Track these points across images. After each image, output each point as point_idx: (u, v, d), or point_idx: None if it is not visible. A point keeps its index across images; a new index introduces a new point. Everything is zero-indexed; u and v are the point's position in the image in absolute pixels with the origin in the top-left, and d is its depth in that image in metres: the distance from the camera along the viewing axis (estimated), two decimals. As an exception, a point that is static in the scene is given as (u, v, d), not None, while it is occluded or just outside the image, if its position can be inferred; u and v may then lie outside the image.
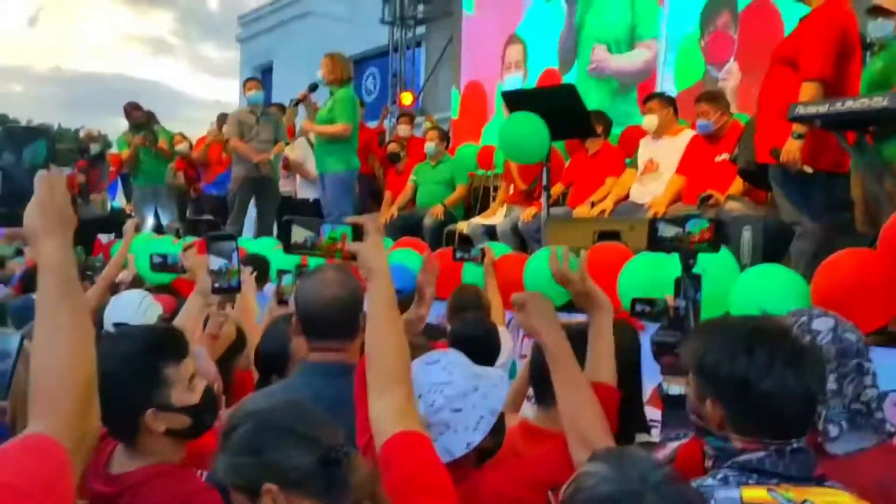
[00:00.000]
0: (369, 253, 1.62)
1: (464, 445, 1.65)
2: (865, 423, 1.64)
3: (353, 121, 6.34)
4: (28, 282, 4.11)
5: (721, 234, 2.22)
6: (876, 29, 3.68)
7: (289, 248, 1.68)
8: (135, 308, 3.05)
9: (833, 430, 1.61)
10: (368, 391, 1.56)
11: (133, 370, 1.66)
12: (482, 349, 2.75)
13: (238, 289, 2.30)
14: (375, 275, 1.61)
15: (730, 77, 6.44)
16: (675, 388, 2.05)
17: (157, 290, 3.80)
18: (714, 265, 3.12)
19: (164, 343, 1.74)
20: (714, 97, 4.98)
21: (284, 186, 8.03)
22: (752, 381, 1.36)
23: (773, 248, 3.83)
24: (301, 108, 8.22)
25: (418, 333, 2.02)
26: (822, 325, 1.69)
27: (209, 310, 2.29)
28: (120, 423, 1.67)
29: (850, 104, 3.34)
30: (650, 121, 5.34)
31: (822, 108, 3.40)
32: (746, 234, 3.83)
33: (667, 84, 6.91)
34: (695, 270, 2.12)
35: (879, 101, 3.22)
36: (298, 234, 1.65)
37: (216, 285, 2.17)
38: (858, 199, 3.85)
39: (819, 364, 1.45)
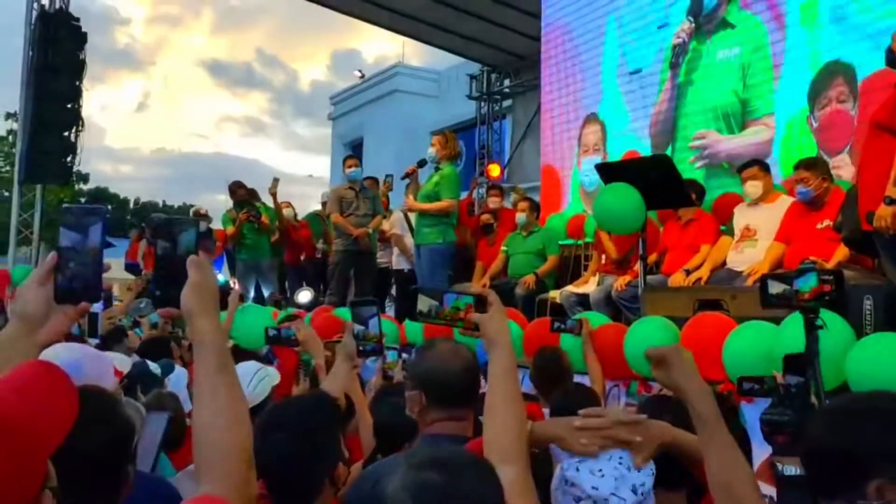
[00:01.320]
0: (492, 324, 1.64)
1: None
2: None
3: (456, 197, 6.66)
4: (147, 350, 4.36)
5: (841, 289, 2.18)
6: None
7: (414, 316, 1.76)
8: (250, 378, 3.17)
9: None
10: None
11: (330, 439, 1.85)
12: None
13: (380, 351, 2.41)
14: (497, 346, 1.63)
15: (842, 168, 6.06)
16: (790, 468, 2.02)
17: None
18: (831, 335, 3.08)
19: (338, 413, 1.92)
20: (813, 164, 4.90)
21: (381, 258, 8.28)
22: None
23: (888, 316, 3.72)
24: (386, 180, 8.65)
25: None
26: None
27: (356, 371, 2.42)
28: (311, 485, 1.81)
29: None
30: (755, 187, 5.26)
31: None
32: (868, 303, 3.73)
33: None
34: (798, 345, 2.09)
35: None
36: (423, 302, 1.70)
37: (360, 348, 2.28)
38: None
39: None
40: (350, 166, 7.60)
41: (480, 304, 1.66)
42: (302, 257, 8.50)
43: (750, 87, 7.03)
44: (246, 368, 3.22)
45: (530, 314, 6.06)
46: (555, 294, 6.39)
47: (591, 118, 8.84)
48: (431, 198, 6.52)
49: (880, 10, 5.90)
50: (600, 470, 1.49)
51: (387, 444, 2.57)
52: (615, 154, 8.27)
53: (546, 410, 3.47)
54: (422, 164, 6.71)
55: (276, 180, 8.44)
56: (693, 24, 7.50)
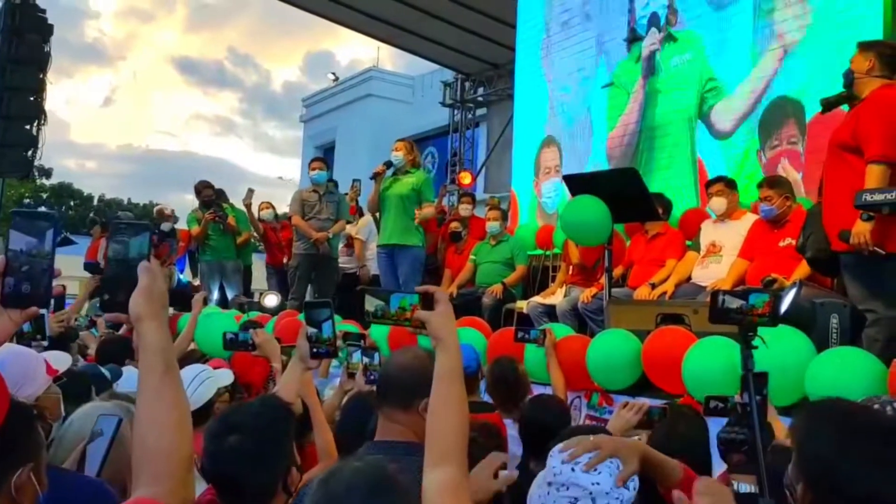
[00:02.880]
0: (438, 322, 1.62)
1: None
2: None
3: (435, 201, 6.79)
4: (106, 351, 4.28)
5: (777, 310, 2.20)
6: None
7: (363, 316, 1.76)
8: (190, 381, 3.10)
9: None
10: (425, 462, 1.55)
11: (283, 443, 1.87)
12: (556, 431, 2.75)
13: (334, 354, 2.37)
14: (443, 345, 1.62)
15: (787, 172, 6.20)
16: (745, 485, 2.02)
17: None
18: (792, 350, 3.10)
19: (291, 417, 1.94)
20: (776, 182, 4.97)
21: (347, 264, 8.22)
22: (843, 484, 1.32)
23: (857, 336, 3.78)
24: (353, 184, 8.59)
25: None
26: None
27: (308, 374, 2.39)
28: (264, 489, 1.82)
29: (919, 191, 3.32)
30: (719, 203, 5.33)
31: (890, 196, 3.39)
32: (834, 322, 3.78)
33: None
34: (761, 360, 2.09)
35: (951, 189, 3.20)
36: (370, 303, 1.72)
37: (314, 351, 2.26)
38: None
39: None
40: (314, 169, 7.54)
41: (427, 301, 1.64)
42: (284, 259, 8.42)
43: (707, 91, 7.11)
44: (188, 371, 3.18)
45: (497, 323, 6.05)
46: (522, 304, 6.39)
47: (550, 140, 8.83)
48: (412, 199, 6.48)
49: (828, 47, 6.00)
50: (596, 468, 1.49)
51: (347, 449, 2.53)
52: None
53: (508, 421, 3.45)
54: (388, 165, 6.67)
55: (250, 191, 8.36)
56: (661, 34, 7.59)
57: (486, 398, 3.82)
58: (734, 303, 2.14)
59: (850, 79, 3.88)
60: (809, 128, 6.07)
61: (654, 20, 7.67)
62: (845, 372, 3.29)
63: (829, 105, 4.02)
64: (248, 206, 8.42)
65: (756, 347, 2.09)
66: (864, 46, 3.93)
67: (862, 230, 3.55)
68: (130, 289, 1.36)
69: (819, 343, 3.61)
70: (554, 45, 8.93)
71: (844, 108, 4.16)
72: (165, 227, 8.73)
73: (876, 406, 1.75)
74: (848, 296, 3.87)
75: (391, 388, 2.06)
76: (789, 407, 3.23)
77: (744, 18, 6.75)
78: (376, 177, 6.60)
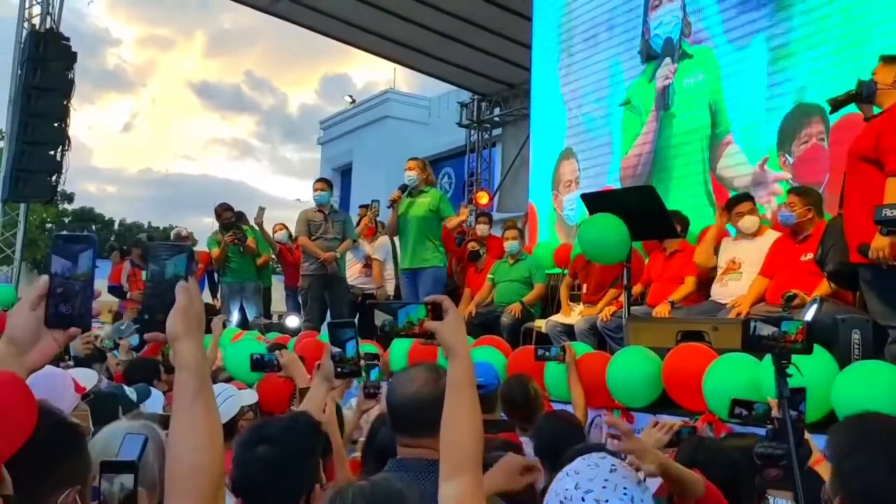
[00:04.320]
0: (448, 331, 1.60)
1: None
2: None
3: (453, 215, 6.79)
4: (133, 371, 4.33)
5: (812, 338, 2.21)
6: None
7: (373, 331, 1.73)
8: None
9: None
10: (440, 473, 1.53)
11: (310, 457, 1.89)
12: (568, 445, 2.75)
13: (358, 373, 2.40)
14: (454, 354, 1.60)
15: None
16: (782, 501, 2.01)
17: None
18: (815, 366, 3.08)
19: (319, 433, 1.96)
20: (805, 192, 4.91)
21: (366, 284, 8.25)
22: (886, 499, 1.31)
23: (880, 351, 3.75)
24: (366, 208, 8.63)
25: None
26: None
27: (334, 393, 2.42)
28: (289, 501, 1.83)
29: (939, 206, 3.31)
30: (752, 222, 5.23)
31: (910, 210, 3.37)
32: (856, 337, 3.75)
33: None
34: (795, 375, 2.09)
35: (970, 204, 3.19)
36: (379, 318, 1.67)
37: (338, 370, 2.28)
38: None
39: None
40: (318, 190, 7.58)
41: (437, 312, 1.62)
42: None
43: (716, 111, 7.11)
44: (214, 389, 3.20)
45: (516, 342, 6.05)
46: (540, 323, 6.39)
47: (567, 153, 8.86)
48: (431, 220, 6.53)
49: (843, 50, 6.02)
50: (606, 500, 1.48)
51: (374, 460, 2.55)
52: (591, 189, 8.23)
53: (524, 439, 3.45)
54: (404, 189, 6.72)
55: (261, 209, 8.43)
56: (675, 65, 7.61)
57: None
58: (767, 330, 2.14)
59: (872, 89, 3.86)
60: (832, 132, 6.05)
61: (668, 46, 7.67)
62: (872, 386, 3.27)
63: (837, 105, 4.01)
64: (260, 224, 8.46)
65: (791, 375, 2.09)
66: (889, 59, 3.92)
67: (881, 245, 3.53)
68: (168, 309, 1.38)
69: (841, 359, 3.58)
70: (571, 63, 8.99)
71: (852, 109, 4.16)
72: (189, 245, 8.80)
73: None
74: (868, 311, 3.84)
75: (406, 422, 2.02)
76: (812, 424, 3.21)
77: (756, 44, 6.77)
78: (393, 203, 6.64)
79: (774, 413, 2.20)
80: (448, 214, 6.60)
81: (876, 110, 3.94)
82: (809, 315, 3.29)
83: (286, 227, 9.12)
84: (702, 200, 7.11)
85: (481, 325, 6.66)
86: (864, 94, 3.89)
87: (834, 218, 4.36)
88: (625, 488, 1.49)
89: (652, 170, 7.71)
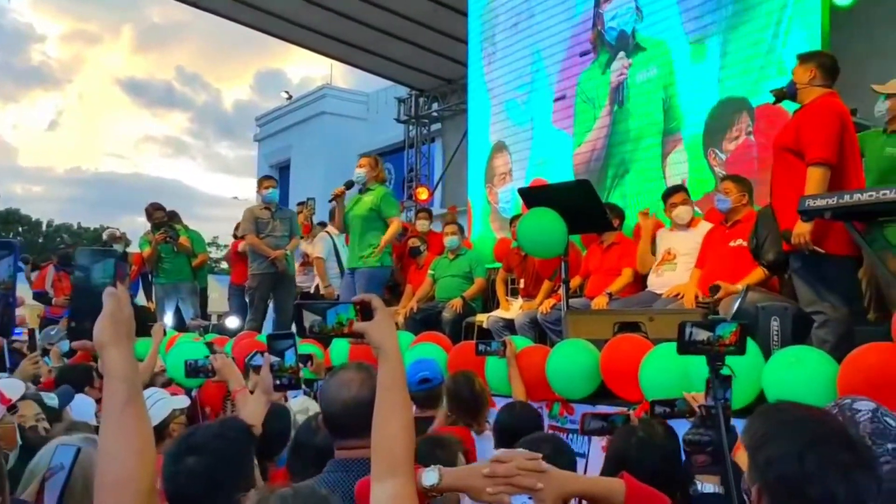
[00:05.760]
0: (377, 331, 1.58)
1: None
2: (897, 508, 1.67)
3: (399, 215, 6.72)
4: (65, 379, 4.19)
5: (746, 338, 2.28)
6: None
7: (301, 332, 1.70)
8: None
9: None
10: (371, 474, 1.51)
11: (242, 465, 1.86)
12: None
13: (297, 384, 2.37)
14: (384, 354, 1.57)
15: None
16: (709, 486, 2.07)
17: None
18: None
19: (252, 440, 1.95)
20: (740, 179, 5.08)
21: (304, 282, 8.17)
22: (799, 488, 1.33)
23: (798, 338, 3.88)
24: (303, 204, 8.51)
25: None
26: (864, 406, 1.74)
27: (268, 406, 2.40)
28: None
29: (857, 196, 3.45)
30: (686, 212, 5.39)
31: (832, 201, 3.51)
32: (775, 325, 3.88)
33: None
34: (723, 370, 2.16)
35: (888, 194, 3.33)
36: (307, 318, 1.64)
37: (277, 382, 2.25)
38: (867, 286, 3.94)
39: (875, 477, 1.37)
40: (266, 187, 7.49)
41: (366, 311, 1.59)
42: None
43: (669, 107, 7.21)
44: (144, 394, 3.14)
45: (457, 337, 6.08)
46: (482, 318, 6.43)
47: (500, 146, 8.91)
48: (371, 219, 6.43)
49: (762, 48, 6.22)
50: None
51: (298, 462, 2.53)
52: (525, 182, 8.25)
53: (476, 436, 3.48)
54: (349, 185, 6.63)
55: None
56: (629, 59, 7.71)
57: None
58: (701, 335, 2.19)
59: (793, 89, 4.02)
60: (756, 122, 6.24)
61: (622, 39, 7.73)
62: (801, 371, 3.38)
63: (781, 96, 4.15)
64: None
65: (728, 377, 2.15)
66: (805, 58, 4.10)
67: (802, 231, 3.68)
68: (96, 315, 1.36)
69: (762, 347, 3.70)
70: (494, 52, 9.08)
71: (786, 105, 4.31)
72: (118, 250, 8.59)
73: (835, 410, 1.81)
74: (797, 298, 3.99)
75: (346, 425, 2.00)
76: (739, 410, 3.31)
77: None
78: (335, 199, 6.57)
79: (701, 403, 2.26)
80: (388, 214, 6.45)
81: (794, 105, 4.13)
82: (736, 305, 3.39)
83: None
84: (658, 196, 7.24)
85: (423, 321, 6.67)
86: (788, 93, 4.05)
87: (764, 208, 4.50)
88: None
89: (606, 164, 7.82)
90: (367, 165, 6.58)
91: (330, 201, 6.81)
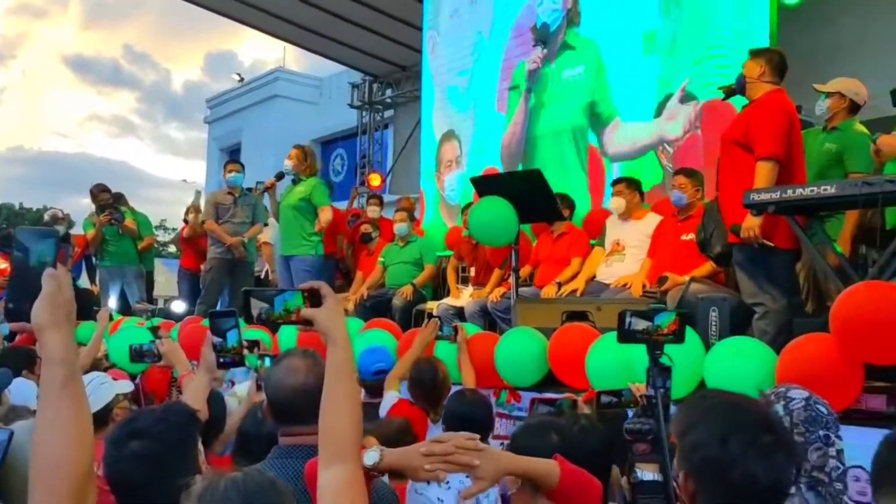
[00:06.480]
0: (326, 318, 1.57)
1: None
2: (825, 492, 1.74)
3: (329, 204, 6.73)
4: (6, 362, 4.08)
5: (685, 328, 2.33)
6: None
7: (249, 319, 1.69)
8: (85, 385, 3.03)
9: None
10: (319, 460, 1.52)
11: (186, 449, 1.83)
12: (480, 425, 2.82)
13: (241, 363, 2.34)
14: (332, 341, 1.57)
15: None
16: (648, 473, 2.11)
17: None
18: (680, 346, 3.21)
19: (197, 423, 1.91)
20: (692, 173, 5.17)
21: (256, 266, 8.08)
22: (723, 470, 1.38)
23: (737, 328, 3.98)
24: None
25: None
26: (798, 394, 1.81)
27: (215, 384, 2.36)
28: (166, 496, 1.72)
29: (800, 191, 3.54)
30: (618, 203, 5.51)
31: (775, 195, 3.60)
32: (713, 315, 3.97)
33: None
34: (662, 358, 2.21)
35: (828, 190, 3.44)
36: (255, 306, 1.63)
37: (219, 360, 2.22)
38: (805, 279, 4.06)
39: (793, 456, 1.45)
40: (231, 171, 7.39)
41: (315, 298, 1.58)
42: (202, 265, 8.18)
43: (595, 103, 7.32)
44: (85, 378, 3.08)
45: (408, 324, 6.08)
46: (432, 305, 6.45)
47: (449, 134, 8.92)
48: (302, 209, 6.54)
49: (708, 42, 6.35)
50: (447, 483, 1.51)
51: (244, 451, 2.51)
52: (474, 170, 8.27)
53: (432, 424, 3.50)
54: (280, 177, 6.72)
55: (197, 193, 8.13)
56: (544, 51, 7.79)
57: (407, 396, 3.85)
58: (640, 324, 2.24)
59: (742, 83, 4.10)
60: (704, 118, 6.36)
61: (544, 33, 7.82)
62: (741, 361, 3.46)
63: (730, 93, 4.23)
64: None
65: (668, 368, 2.20)
66: (756, 53, 4.18)
67: (752, 224, 3.76)
68: (35, 297, 1.33)
69: (702, 337, 3.78)
70: (438, 39, 9.09)
71: (735, 101, 4.39)
72: (60, 230, 8.37)
73: (771, 398, 1.87)
74: (739, 290, 4.09)
75: (292, 412, 2.00)
76: (680, 399, 3.38)
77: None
78: (267, 190, 6.67)
79: (641, 392, 2.31)
80: (319, 203, 6.55)
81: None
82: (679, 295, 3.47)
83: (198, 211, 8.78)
84: (580, 184, 7.34)
85: (373, 308, 6.66)
86: (737, 87, 4.13)
87: (710, 202, 4.59)
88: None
89: (524, 150, 7.93)
90: (296, 158, 6.67)
91: (262, 193, 6.86)
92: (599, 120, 7.26)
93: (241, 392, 3.82)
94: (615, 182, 5.73)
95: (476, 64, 8.51)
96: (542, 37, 7.79)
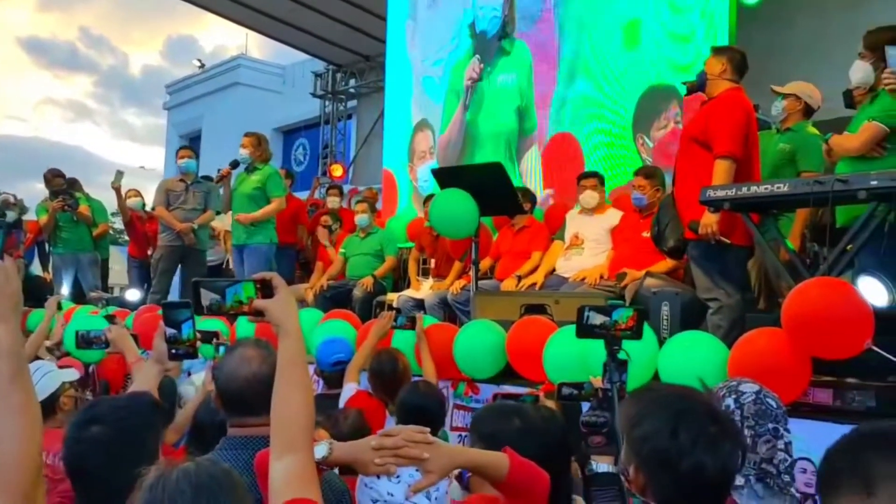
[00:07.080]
0: (278, 309, 1.56)
1: None
2: (773, 483, 1.78)
3: (283, 194, 6.69)
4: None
5: (643, 324, 2.36)
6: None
7: (199, 310, 1.65)
8: (31, 373, 2.99)
9: (739, 479, 1.73)
10: (270, 452, 1.51)
11: (146, 436, 1.82)
12: (432, 417, 2.81)
13: (194, 355, 2.30)
14: (285, 332, 1.56)
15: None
16: (603, 465, 2.14)
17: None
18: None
19: (156, 412, 1.90)
20: (651, 173, 5.23)
21: (212, 256, 7.97)
22: (672, 461, 1.41)
23: (688, 322, 4.04)
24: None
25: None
26: (748, 388, 1.85)
27: (170, 374, 2.32)
28: (124, 483, 1.71)
29: (755, 189, 3.61)
30: (592, 198, 5.53)
31: (731, 193, 3.66)
32: (665, 309, 4.03)
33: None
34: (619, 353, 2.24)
35: (781, 188, 3.50)
36: (206, 297, 1.59)
37: (172, 352, 2.19)
38: (756, 276, 4.13)
39: (739, 446, 1.48)
40: (183, 157, 7.29)
41: (266, 289, 1.57)
42: (149, 251, 8.03)
43: (525, 108, 7.43)
44: (31, 367, 3.03)
45: (368, 316, 6.07)
46: (392, 297, 6.44)
47: (422, 124, 8.93)
48: (256, 197, 6.46)
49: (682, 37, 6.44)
50: (398, 476, 1.51)
51: (198, 441, 2.49)
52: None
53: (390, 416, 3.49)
54: (234, 165, 6.64)
55: (119, 173, 7.89)
56: (481, 62, 7.85)
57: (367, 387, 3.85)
58: (598, 319, 2.26)
59: (702, 79, 4.16)
60: (684, 112, 6.39)
61: (482, 40, 7.93)
62: (695, 355, 3.51)
63: (692, 89, 4.29)
64: (118, 189, 7.87)
65: (625, 361, 2.22)
66: (718, 51, 4.24)
67: (710, 221, 3.82)
68: None
69: (654, 331, 3.84)
70: (418, 29, 9.06)
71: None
72: (10, 216, 8.17)
73: (723, 392, 1.91)
74: (694, 285, 4.15)
75: (243, 403, 1.99)
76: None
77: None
78: (221, 179, 6.58)
79: (599, 384, 2.34)
80: (274, 193, 6.49)
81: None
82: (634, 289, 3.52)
83: (140, 195, 8.61)
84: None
85: (333, 299, 6.63)
86: (698, 84, 4.19)
87: (666, 196, 4.64)
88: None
89: (461, 153, 8.01)
90: (250, 145, 6.56)
91: (216, 182, 6.76)
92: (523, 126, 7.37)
93: (198, 381, 3.77)
94: (585, 176, 5.74)
95: (451, 55, 8.50)
96: (481, 46, 7.91)
